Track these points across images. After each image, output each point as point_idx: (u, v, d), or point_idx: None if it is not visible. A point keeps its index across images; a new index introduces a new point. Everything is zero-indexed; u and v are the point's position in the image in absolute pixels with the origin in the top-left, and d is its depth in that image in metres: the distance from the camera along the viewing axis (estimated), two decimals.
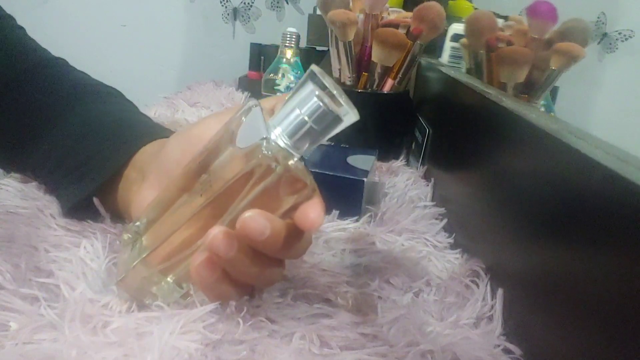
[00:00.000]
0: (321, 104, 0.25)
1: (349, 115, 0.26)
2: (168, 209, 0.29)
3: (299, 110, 0.26)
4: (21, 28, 0.50)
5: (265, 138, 0.26)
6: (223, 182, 0.27)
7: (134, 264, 0.29)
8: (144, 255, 0.29)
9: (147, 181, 0.34)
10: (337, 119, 0.26)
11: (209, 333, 0.26)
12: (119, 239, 0.36)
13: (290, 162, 0.26)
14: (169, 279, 0.29)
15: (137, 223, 0.30)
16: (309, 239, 0.29)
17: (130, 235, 0.30)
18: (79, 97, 0.45)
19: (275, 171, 0.25)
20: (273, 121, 0.26)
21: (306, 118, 0.26)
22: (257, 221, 0.25)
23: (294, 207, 0.26)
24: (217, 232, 0.25)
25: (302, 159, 0.27)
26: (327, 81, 0.25)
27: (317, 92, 0.25)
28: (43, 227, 0.37)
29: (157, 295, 0.29)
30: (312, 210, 0.26)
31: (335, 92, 0.25)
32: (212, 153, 0.28)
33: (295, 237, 0.27)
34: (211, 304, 0.28)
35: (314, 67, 0.26)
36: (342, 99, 0.26)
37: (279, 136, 0.26)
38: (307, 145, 0.26)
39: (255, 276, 0.28)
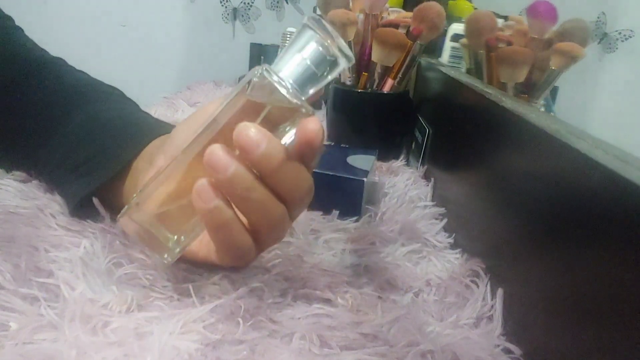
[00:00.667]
0: (321, 48, 0.27)
1: (346, 59, 0.28)
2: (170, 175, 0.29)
3: (300, 54, 0.27)
4: (19, 29, 0.50)
5: (264, 67, 0.27)
6: (225, 118, 0.27)
7: (133, 200, 0.29)
8: (140, 189, 0.29)
9: (154, 165, 0.34)
10: (336, 63, 0.28)
11: (209, 333, 0.26)
12: (119, 238, 0.36)
13: (290, 96, 0.27)
14: (168, 234, 0.29)
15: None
16: (306, 177, 0.28)
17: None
18: (81, 95, 0.45)
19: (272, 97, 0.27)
20: (275, 67, 0.28)
21: (312, 66, 0.27)
22: (252, 131, 0.25)
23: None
24: (214, 147, 0.25)
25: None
26: (325, 26, 0.27)
27: (316, 37, 0.27)
28: (43, 227, 0.37)
29: (161, 250, 0.29)
30: (311, 122, 0.26)
31: (333, 36, 0.27)
32: (222, 113, 0.28)
33: (292, 165, 0.27)
34: (211, 304, 0.28)
35: (310, 16, 0.28)
36: (340, 43, 0.27)
37: (284, 78, 0.27)
38: (308, 88, 0.28)
39: (259, 209, 0.27)
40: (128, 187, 0.37)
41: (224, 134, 0.27)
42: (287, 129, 0.28)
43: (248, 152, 0.25)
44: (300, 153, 0.27)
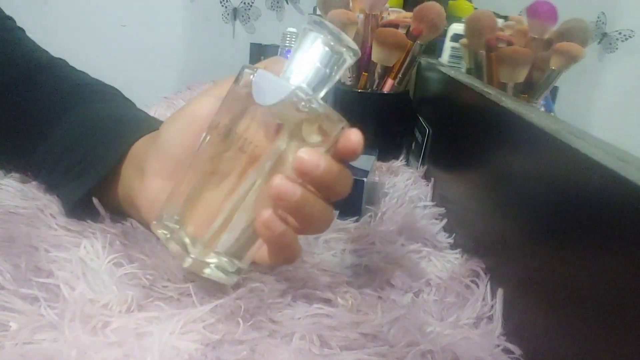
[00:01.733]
0: (328, 48, 0.28)
1: (353, 52, 0.29)
2: (201, 188, 0.29)
3: (310, 60, 0.28)
4: (21, 29, 0.50)
5: (297, 88, 0.27)
6: (265, 139, 0.28)
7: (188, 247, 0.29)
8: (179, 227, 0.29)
9: (148, 171, 0.34)
10: (344, 59, 0.28)
11: (209, 333, 0.26)
12: (119, 238, 0.36)
13: (323, 109, 0.28)
14: (222, 257, 0.29)
15: (165, 216, 0.30)
16: (350, 174, 0.30)
17: (165, 232, 0.30)
18: (79, 96, 0.45)
19: (315, 118, 0.28)
20: (286, 74, 0.28)
21: (321, 66, 0.28)
22: (311, 156, 0.27)
23: (334, 143, 0.29)
24: (279, 179, 0.27)
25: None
26: (327, 26, 0.28)
27: (322, 38, 0.28)
28: (43, 227, 0.37)
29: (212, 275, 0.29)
30: (353, 134, 0.29)
31: (337, 33, 0.28)
32: (231, 121, 0.29)
33: (341, 170, 0.29)
34: (211, 304, 0.28)
35: (310, 17, 0.28)
36: (344, 38, 0.28)
37: (300, 87, 0.28)
38: (324, 90, 0.29)
39: (315, 219, 0.29)
40: (122, 189, 0.37)
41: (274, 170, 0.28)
42: (313, 137, 0.28)
43: (310, 175, 0.27)
44: (342, 158, 0.29)
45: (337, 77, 0.29)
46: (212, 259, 0.29)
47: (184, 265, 0.29)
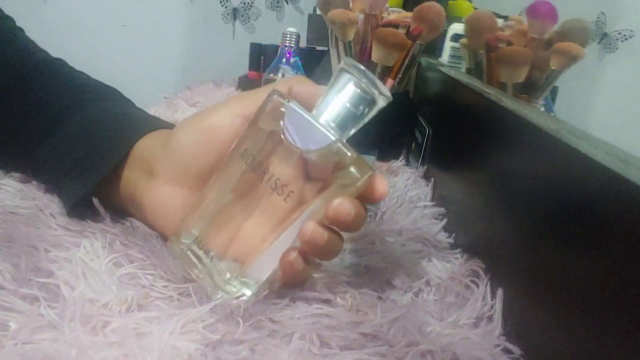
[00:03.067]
0: (360, 91, 0.29)
1: (385, 98, 0.29)
2: (229, 213, 0.31)
3: (342, 101, 0.29)
4: (20, 29, 0.50)
5: (337, 140, 0.28)
6: (295, 180, 0.29)
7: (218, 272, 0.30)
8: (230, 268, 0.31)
9: (159, 176, 0.34)
10: (375, 103, 0.29)
11: (209, 333, 0.26)
12: (119, 238, 0.36)
13: (356, 158, 0.28)
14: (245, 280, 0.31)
15: (185, 234, 0.31)
16: (366, 213, 0.32)
17: (183, 248, 0.31)
18: (79, 97, 0.45)
19: (355, 176, 0.29)
20: (318, 111, 0.29)
21: (352, 108, 0.29)
22: (345, 206, 0.29)
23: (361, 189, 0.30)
24: (312, 227, 0.29)
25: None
26: (360, 69, 0.28)
27: (355, 81, 0.28)
28: (43, 227, 0.37)
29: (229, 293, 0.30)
30: (381, 185, 0.30)
31: (371, 77, 0.28)
32: (260, 153, 0.30)
33: (364, 213, 0.30)
34: (211, 304, 0.28)
35: (346, 59, 0.29)
36: (378, 84, 0.29)
37: (333, 129, 0.29)
38: (352, 131, 0.30)
39: (334, 253, 0.31)
40: (124, 187, 0.37)
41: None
42: (344, 182, 0.29)
43: (342, 223, 0.29)
44: (364, 202, 0.30)
45: (366, 120, 0.30)
46: (239, 286, 0.31)
47: (213, 296, 0.30)
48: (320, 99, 0.29)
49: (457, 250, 0.41)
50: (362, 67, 0.28)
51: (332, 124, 0.29)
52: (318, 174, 0.30)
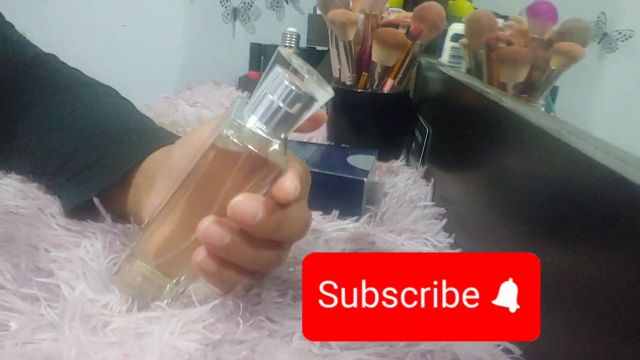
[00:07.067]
0: (293, 87, 0.25)
1: (322, 94, 0.26)
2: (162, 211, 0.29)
3: (271, 96, 0.26)
4: (10, 24, 0.49)
5: (231, 121, 0.26)
6: (199, 171, 0.27)
7: (126, 255, 0.29)
8: (134, 245, 0.29)
9: (154, 188, 0.34)
10: (311, 100, 0.26)
11: (209, 333, 0.26)
12: (119, 238, 0.36)
13: (271, 148, 0.26)
14: (173, 281, 0.29)
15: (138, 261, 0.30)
16: (302, 217, 0.29)
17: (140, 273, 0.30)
18: (77, 96, 0.44)
19: (243, 156, 0.26)
20: (247, 110, 0.26)
21: (280, 104, 0.25)
22: (248, 205, 0.26)
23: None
24: (207, 223, 0.26)
25: (285, 141, 0.27)
26: (296, 62, 0.25)
27: (286, 75, 0.25)
28: (43, 227, 0.37)
29: (157, 296, 0.29)
30: (287, 180, 0.26)
31: (305, 72, 0.25)
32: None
33: (282, 215, 0.27)
34: (211, 304, 0.28)
35: (280, 50, 0.26)
36: (313, 79, 0.25)
37: (255, 124, 0.26)
38: (285, 129, 0.26)
39: (256, 260, 0.28)
40: (131, 199, 0.37)
41: (203, 188, 0.27)
42: (266, 178, 0.27)
43: (246, 224, 0.26)
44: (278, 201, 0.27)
45: (304, 118, 0.26)
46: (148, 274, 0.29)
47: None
48: (252, 97, 0.27)
49: (457, 250, 0.41)
50: (299, 61, 0.26)
51: (262, 123, 0.26)
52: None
